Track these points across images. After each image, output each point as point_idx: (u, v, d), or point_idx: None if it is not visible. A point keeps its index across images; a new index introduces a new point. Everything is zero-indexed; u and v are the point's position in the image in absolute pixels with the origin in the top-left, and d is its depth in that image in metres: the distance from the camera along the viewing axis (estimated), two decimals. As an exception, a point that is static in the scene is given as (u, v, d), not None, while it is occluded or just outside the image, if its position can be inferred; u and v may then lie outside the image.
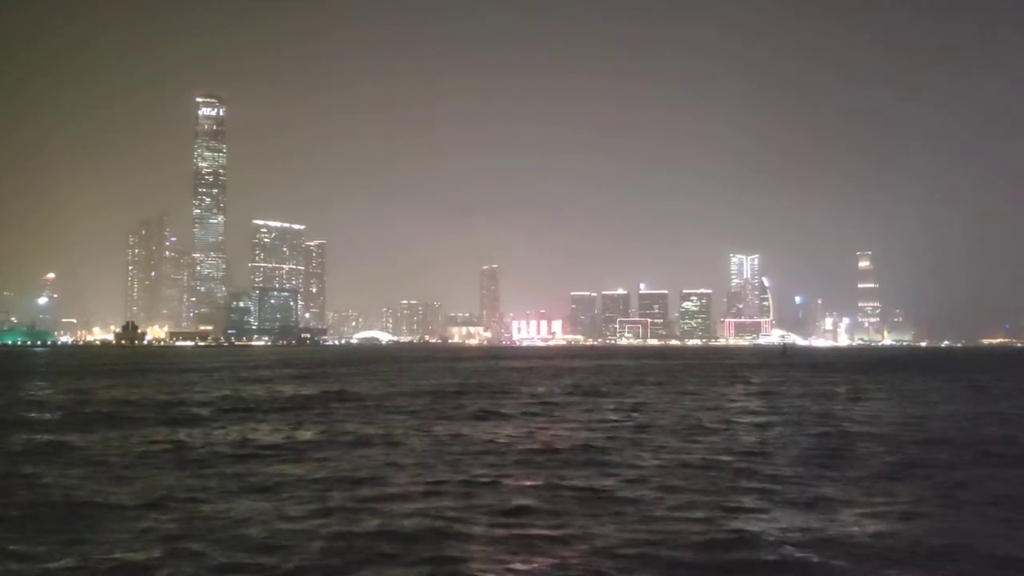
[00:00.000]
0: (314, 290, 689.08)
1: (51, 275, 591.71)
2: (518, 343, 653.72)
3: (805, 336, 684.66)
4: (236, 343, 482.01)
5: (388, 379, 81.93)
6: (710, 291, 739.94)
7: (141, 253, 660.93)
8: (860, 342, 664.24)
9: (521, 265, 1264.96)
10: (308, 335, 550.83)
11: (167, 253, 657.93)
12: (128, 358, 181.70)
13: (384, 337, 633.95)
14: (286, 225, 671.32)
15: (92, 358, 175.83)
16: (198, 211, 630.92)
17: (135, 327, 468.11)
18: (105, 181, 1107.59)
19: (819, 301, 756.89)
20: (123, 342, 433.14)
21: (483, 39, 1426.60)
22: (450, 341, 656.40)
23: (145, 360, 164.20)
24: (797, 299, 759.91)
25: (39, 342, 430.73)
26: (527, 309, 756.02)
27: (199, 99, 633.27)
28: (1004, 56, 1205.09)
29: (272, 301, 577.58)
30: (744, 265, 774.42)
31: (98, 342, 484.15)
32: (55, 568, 14.03)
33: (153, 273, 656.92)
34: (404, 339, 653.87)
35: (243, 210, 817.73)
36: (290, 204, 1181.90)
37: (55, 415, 41.74)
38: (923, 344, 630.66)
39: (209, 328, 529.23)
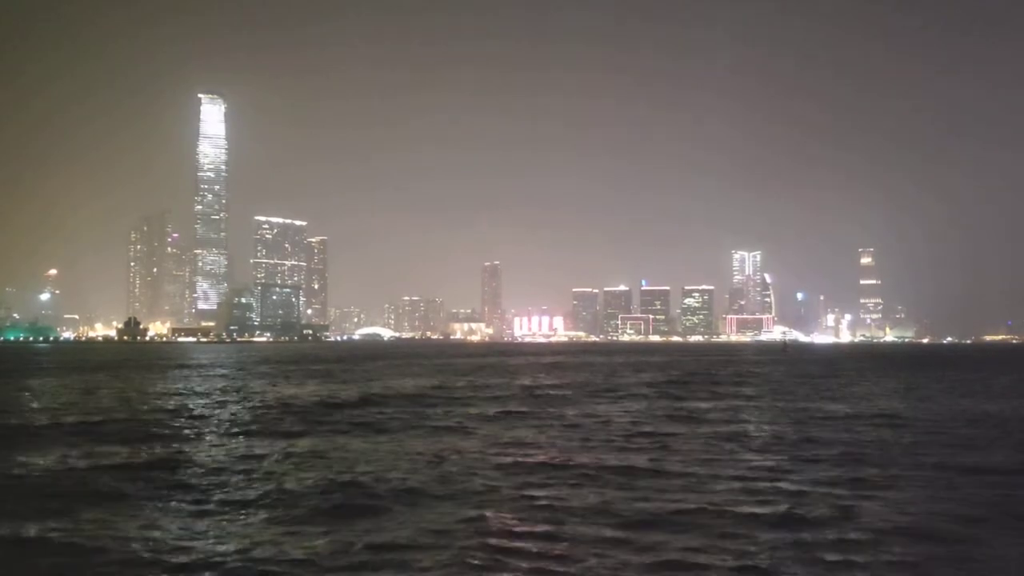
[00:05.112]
0: (316, 286, 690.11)
1: (53, 271, 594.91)
2: (520, 339, 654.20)
3: (807, 333, 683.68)
4: (238, 339, 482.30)
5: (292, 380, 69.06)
6: (712, 287, 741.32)
7: (143, 249, 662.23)
8: (862, 339, 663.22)
9: (523, 261, 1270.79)
10: (310, 331, 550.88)
11: (169, 249, 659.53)
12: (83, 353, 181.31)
13: (386, 333, 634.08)
14: (288, 221, 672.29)
15: (86, 354, 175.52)
16: (200, 207, 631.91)
17: (137, 323, 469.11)
18: (107, 178, 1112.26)
19: (821, 298, 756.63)
20: (125, 338, 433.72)
21: (485, 37, 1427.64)
22: (452, 337, 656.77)
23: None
24: (799, 295, 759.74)
25: (41, 338, 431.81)
26: (529, 305, 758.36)
27: (201, 96, 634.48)
28: (1002, 59, 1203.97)
29: (274, 297, 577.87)
30: (746, 261, 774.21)
31: (100, 338, 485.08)
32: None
33: (155, 269, 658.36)
34: (406, 335, 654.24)
35: (245, 206, 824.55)
36: (292, 200, 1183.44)
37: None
38: (925, 341, 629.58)
39: (211, 324, 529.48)
